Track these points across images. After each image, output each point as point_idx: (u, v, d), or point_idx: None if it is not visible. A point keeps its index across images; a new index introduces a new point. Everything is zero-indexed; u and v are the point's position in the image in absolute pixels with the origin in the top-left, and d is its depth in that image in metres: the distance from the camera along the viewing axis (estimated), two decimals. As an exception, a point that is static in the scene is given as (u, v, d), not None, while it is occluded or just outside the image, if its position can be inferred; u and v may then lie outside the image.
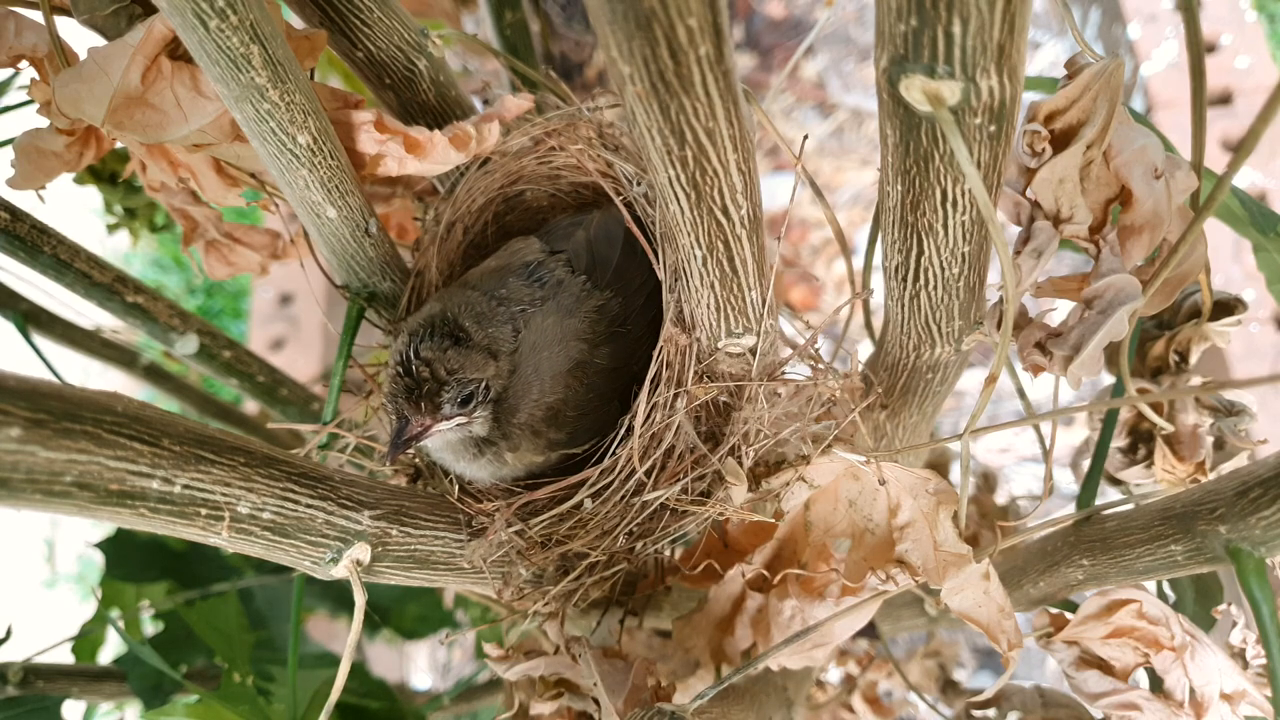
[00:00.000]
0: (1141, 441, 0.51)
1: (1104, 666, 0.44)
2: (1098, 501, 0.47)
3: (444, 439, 0.47)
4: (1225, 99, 1.49)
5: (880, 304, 0.45)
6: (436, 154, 0.49)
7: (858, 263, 0.99)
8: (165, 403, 0.56)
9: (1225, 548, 0.37)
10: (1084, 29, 1.82)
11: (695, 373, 0.43)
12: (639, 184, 0.49)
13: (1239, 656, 0.44)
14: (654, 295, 0.47)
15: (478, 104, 0.55)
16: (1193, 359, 0.50)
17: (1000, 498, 0.80)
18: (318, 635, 1.30)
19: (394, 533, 0.41)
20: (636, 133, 0.31)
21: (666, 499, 0.45)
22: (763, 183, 0.35)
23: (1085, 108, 0.35)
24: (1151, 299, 0.38)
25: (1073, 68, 0.36)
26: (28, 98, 0.49)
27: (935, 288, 0.39)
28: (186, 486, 0.32)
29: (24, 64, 0.48)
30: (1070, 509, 0.47)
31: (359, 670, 0.76)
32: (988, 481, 0.80)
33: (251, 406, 1.10)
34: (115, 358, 0.73)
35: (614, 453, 0.46)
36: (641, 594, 0.55)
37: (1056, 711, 0.51)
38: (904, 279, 0.39)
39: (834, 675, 0.86)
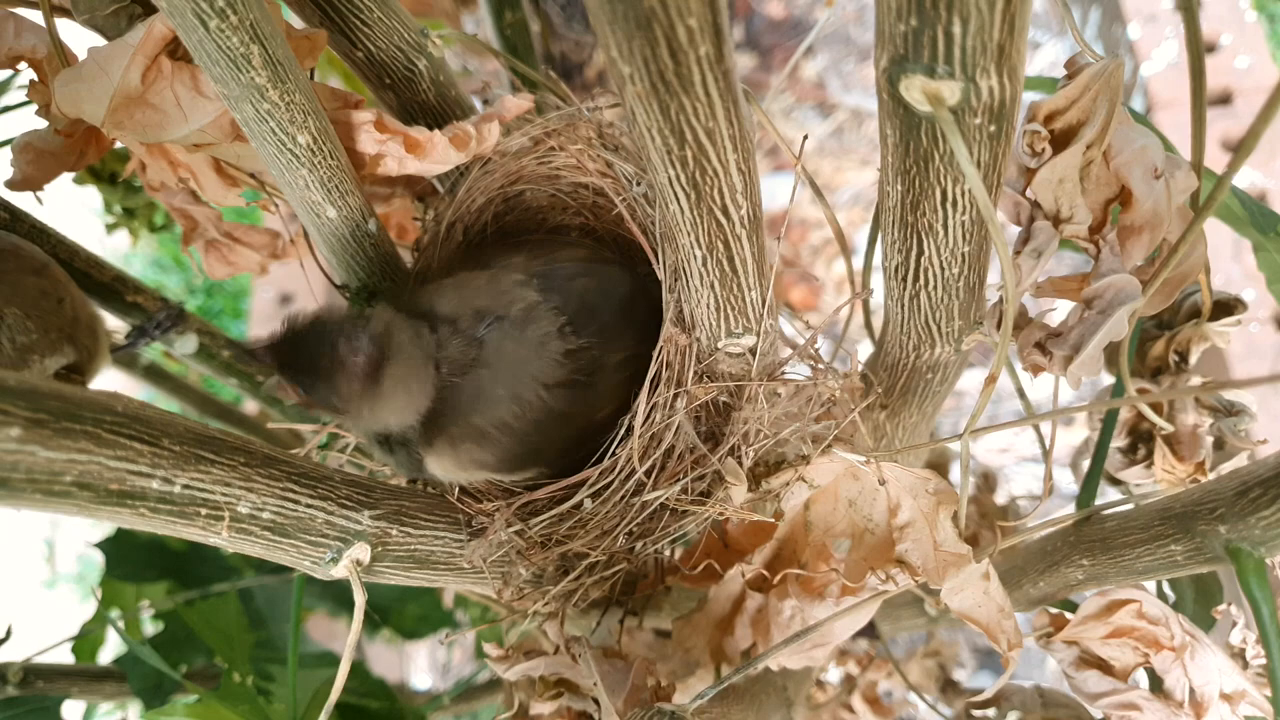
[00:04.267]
0: (1141, 441, 0.51)
1: (1104, 666, 0.44)
2: (1098, 501, 0.47)
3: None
4: (1225, 99, 1.49)
5: (880, 304, 0.45)
6: (436, 154, 0.49)
7: (858, 263, 0.99)
8: (165, 403, 0.56)
9: (1225, 548, 0.37)
10: (1084, 29, 1.82)
11: (695, 373, 0.43)
12: (639, 184, 0.49)
13: (1239, 656, 0.44)
14: (635, 359, 0.46)
15: (478, 104, 0.55)
16: (1193, 359, 0.50)
17: (1000, 498, 0.80)
18: (318, 635, 1.30)
19: (394, 533, 0.41)
20: (636, 133, 0.31)
21: (666, 499, 0.45)
22: (763, 183, 0.35)
23: (1085, 108, 0.35)
24: (1151, 299, 0.38)
25: (1073, 68, 0.36)
26: (27, 98, 0.49)
27: (935, 288, 0.39)
28: (186, 486, 0.32)
29: (23, 65, 0.48)
30: (1070, 509, 0.47)
31: (359, 670, 0.76)
32: (988, 481, 0.80)
33: (251, 406, 1.10)
34: (115, 357, 0.73)
35: (614, 453, 0.46)
36: (641, 594, 0.55)
37: (1056, 711, 0.51)
38: (904, 279, 0.39)
39: (834, 675, 0.86)
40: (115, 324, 0.59)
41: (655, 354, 0.44)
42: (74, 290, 0.51)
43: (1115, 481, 0.53)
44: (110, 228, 0.76)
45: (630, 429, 0.45)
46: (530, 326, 0.47)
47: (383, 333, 0.44)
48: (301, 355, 0.44)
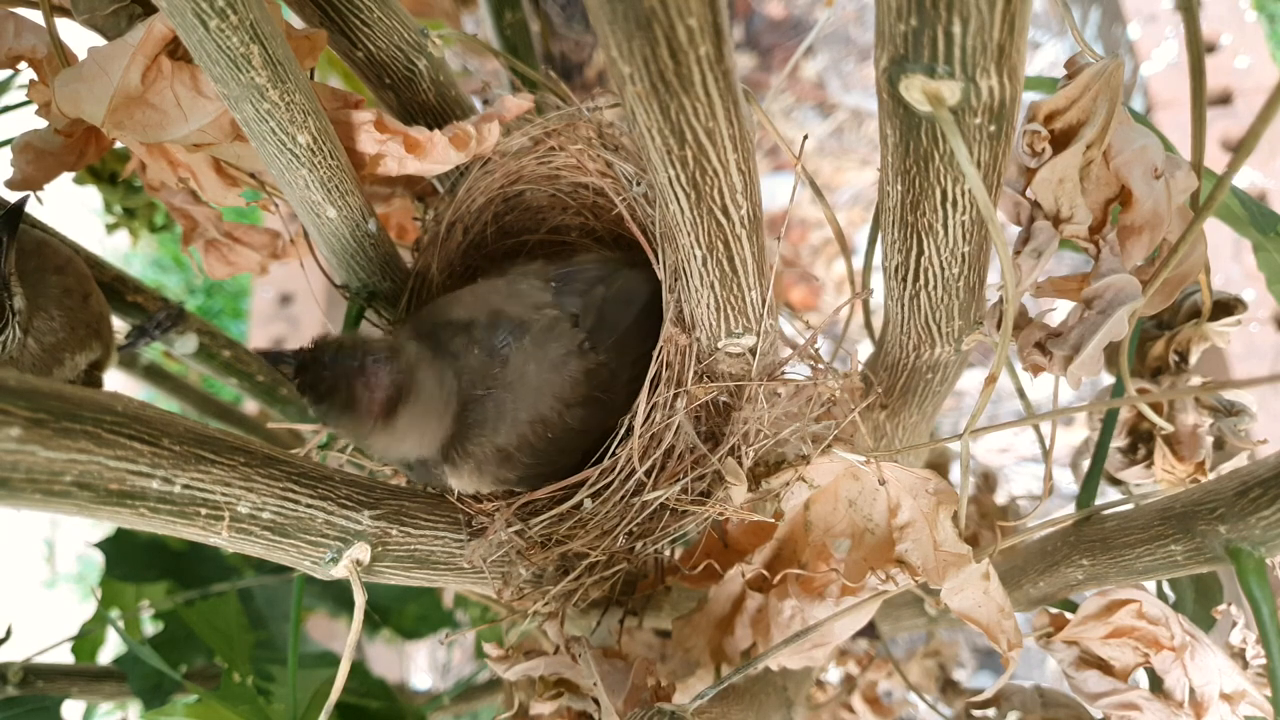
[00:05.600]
0: (1141, 441, 0.51)
1: (1104, 666, 0.44)
2: (1098, 501, 0.47)
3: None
4: (1225, 99, 1.49)
5: (880, 304, 0.45)
6: (436, 154, 0.49)
7: (858, 263, 0.99)
8: (165, 403, 0.56)
9: (1225, 548, 0.37)
10: (1084, 29, 1.82)
11: (695, 373, 0.43)
12: (639, 184, 0.49)
13: (1239, 656, 0.44)
14: (642, 362, 0.46)
15: (478, 104, 0.55)
16: (1193, 359, 0.50)
17: (1000, 498, 0.80)
18: (318, 635, 1.30)
19: (394, 533, 0.41)
20: (636, 133, 0.31)
21: (666, 499, 0.45)
22: (763, 183, 0.35)
23: (1085, 108, 0.35)
24: (1151, 299, 0.38)
25: (1073, 68, 0.36)
26: (27, 98, 0.49)
27: (935, 288, 0.39)
28: (186, 486, 0.32)
29: (23, 65, 0.48)
30: (1070, 509, 0.47)
31: (359, 670, 0.76)
32: (988, 481, 0.80)
33: (251, 406, 1.10)
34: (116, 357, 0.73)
35: (614, 453, 0.46)
36: (641, 594, 0.55)
37: (1056, 711, 0.51)
38: (904, 279, 0.39)
39: (834, 675, 0.86)
40: (116, 324, 0.59)
41: (655, 354, 0.44)
42: (95, 285, 0.51)
43: (1115, 481, 0.53)
44: (110, 228, 0.76)
45: (630, 429, 0.45)
46: (550, 344, 0.47)
47: (405, 373, 0.44)
48: (323, 383, 0.44)
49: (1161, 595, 0.51)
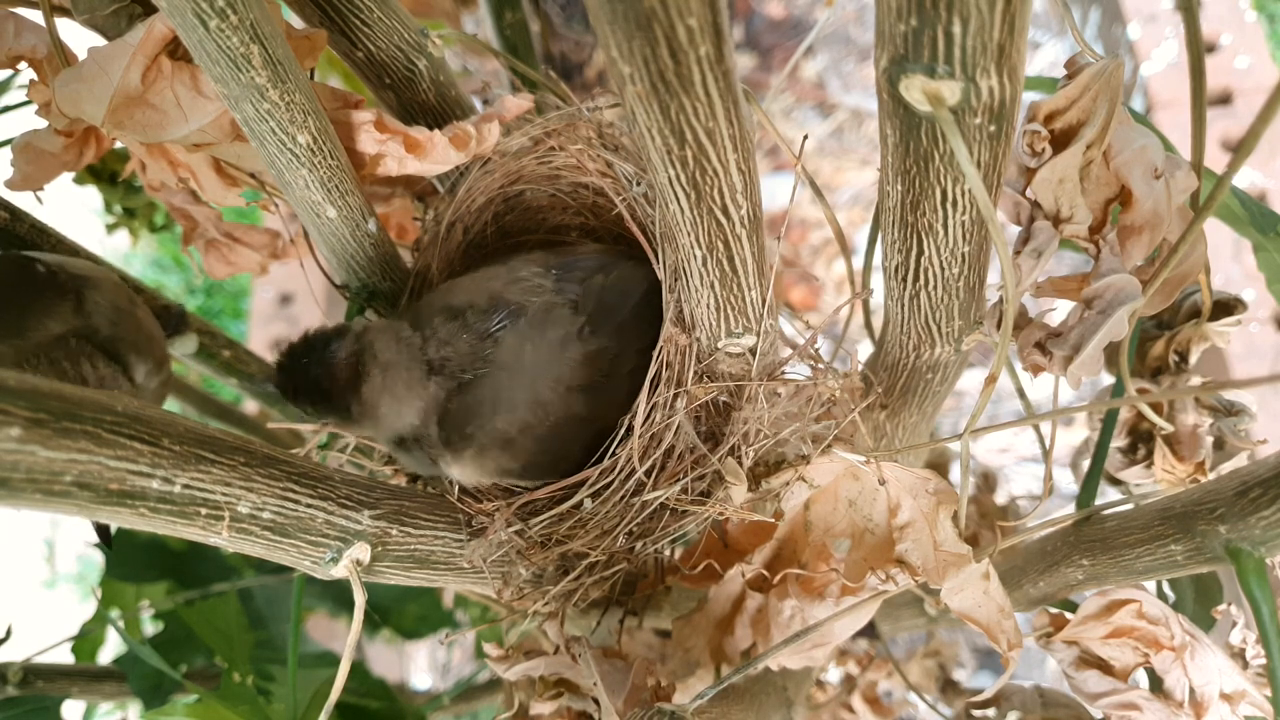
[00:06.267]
0: (1141, 441, 0.51)
1: (1104, 666, 0.44)
2: (1098, 501, 0.47)
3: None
4: (1225, 99, 1.49)
5: (880, 304, 0.45)
6: (436, 154, 0.49)
7: (858, 263, 0.99)
8: (165, 402, 0.56)
9: (1225, 548, 0.37)
10: (1084, 29, 1.82)
11: (695, 373, 0.43)
12: (639, 184, 0.49)
13: (1239, 656, 0.44)
14: (646, 352, 0.46)
15: (478, 104, 0.55)
16: (1193, 359, 0.50)
17: (1000, 498, 0.80)
18: (318, 635, 1.30)
19: (394, 533, 0.41)
20: (636, 133, 0.31)
21: (666, 499, 0.45)
22: (763, 183, 0.35)
23: (1085, 108, 0.35)
24: (1151, 299, 0.38)
25: (1073, 68, 0.36)
26: (27, 98, 0.49)
27: (935, 288, 0.39)
28: (186, 486, 0.32)
29: (23, 65, 0.48)
30: (1070, 509, 0.47)
31: (359, 670, 0.76)
32: (988, 481, 0.80)
33: (251, 406, 1.10)
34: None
35: (614, 453, 0.46)
36: (641, 594, 0.55)
37: (1056, 711, 0.51)
38: (904, 279, 0.39)
39: (834, 675, 0.86)
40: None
41: (655, 354, 0.44)
42: (136, 300, 0.54)
43: (1115, 481, 0.53)
44: (110, 228, 0.76)
45: (630, 429, 0.45)
46: (549, 328, 0.47)
47: (357, 346, 0.45)
48: (295, 383, 0.45)
49: (1161, 595, 0.51)
